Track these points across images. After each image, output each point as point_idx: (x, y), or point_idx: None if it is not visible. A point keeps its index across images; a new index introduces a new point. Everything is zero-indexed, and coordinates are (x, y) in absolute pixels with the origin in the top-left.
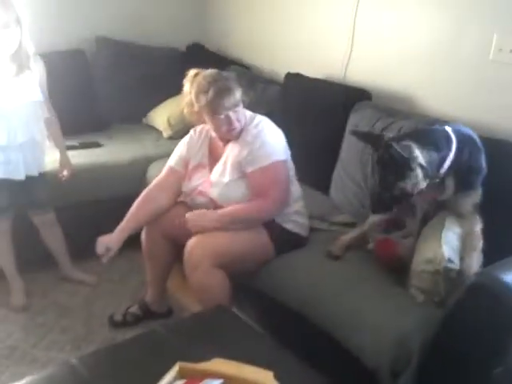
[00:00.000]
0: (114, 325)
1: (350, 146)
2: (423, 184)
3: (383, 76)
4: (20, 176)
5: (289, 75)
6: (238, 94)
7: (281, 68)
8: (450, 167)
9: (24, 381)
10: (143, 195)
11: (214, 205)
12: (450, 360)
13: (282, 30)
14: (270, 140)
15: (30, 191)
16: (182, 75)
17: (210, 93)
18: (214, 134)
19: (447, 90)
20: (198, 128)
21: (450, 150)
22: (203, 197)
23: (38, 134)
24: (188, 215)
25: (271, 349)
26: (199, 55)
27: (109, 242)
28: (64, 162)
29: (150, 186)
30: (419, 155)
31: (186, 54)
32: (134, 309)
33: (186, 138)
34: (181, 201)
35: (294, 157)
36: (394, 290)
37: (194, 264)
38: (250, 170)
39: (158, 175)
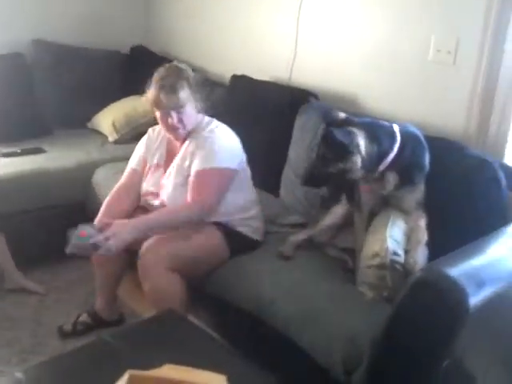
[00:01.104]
0: (64, 335)
1: (297, 147)
2: (359, 173)
3: (328, 77)
4: None
5: (234, 77)
6: (183, 95)
7: (226, 70)
8: (390, 164)
9: None
10: (107, 201)
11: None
12: (400, 355)
13: (227, 31)
14: (220, 146)
15: None
16: (126, 78)
17: (156, 86)
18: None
19: (390, 91)
20: (157, 127)
21: (392, 147)
22: (156, 199)
23: None
24: (108, 232)
25: (224, 352)
26: (143, 57)
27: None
28: None
29: (114, 189)
30: (361, 144)
31: (130, 56)
32: (84, 317)
33: (144, 138)
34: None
35: None
36: (345, 288)
37: (148, 268)
38: (192, 170)
39: (107, 184)
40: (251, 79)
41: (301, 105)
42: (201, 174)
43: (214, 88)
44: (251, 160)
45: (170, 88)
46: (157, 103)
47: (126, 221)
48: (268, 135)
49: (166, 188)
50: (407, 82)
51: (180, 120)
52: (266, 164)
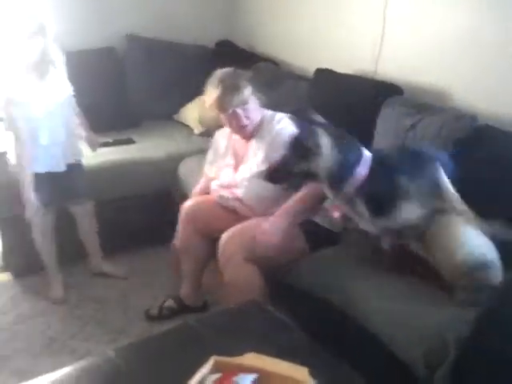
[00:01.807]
0: (150, 318)
1: (380, 142)
2: (324, 179)
3: (415, 70)
4: (61, 168)
5: (318, 71)
6: (246, 91)
7: (310, 64)
8: (360, 188)
9: (64, 370)
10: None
11: (239, 202)
12: (489, 356)
13: (311, 25)
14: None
15: (70, 181)
16: (212, 72)
17: (218, 90)
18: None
19: (481, 83)
20: (222, 130)
21: (358, 163)
22: (230, 193)
23: (75, 125)
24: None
25: (305, 344)
26: (228, 52)
27: None
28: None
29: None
30: (324, 145)
31: (215, 51)
32: (170, 303)
33: (211, 143)
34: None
35: None
36: (430, 288)
37: (227, 258)
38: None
39: (193, 175)
40: (335, 73)
41: (385, 99)
42: None
43: (298, 82)
44: None
45: (232, 87)
46: (221, 105)
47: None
48: (350, 130)
49: (240, 185)
50: (497, 75)
51: (247, 116)
52: None
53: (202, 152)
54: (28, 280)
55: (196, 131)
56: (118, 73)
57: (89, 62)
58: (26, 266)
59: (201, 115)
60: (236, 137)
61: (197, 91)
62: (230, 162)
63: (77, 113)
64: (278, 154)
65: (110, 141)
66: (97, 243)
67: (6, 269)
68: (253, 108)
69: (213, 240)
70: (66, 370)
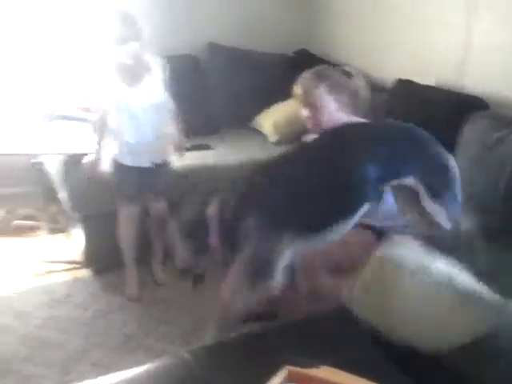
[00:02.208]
0: None
1: (461, 161)
2: None
3: (503, 82)
4: (145, 164)
5: (398, 82)
6: (319, 93)
7: (390, 74)
8: None
9: (139, 368)
10: None
11: None
12: None
13: (390, 34)
14: None
15: (153, 179)
16: (289, 81)
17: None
18: None
19: None
20: (309, 135)
21: None
22: None
23: (165, 128)
24: None
25: (388, 363)
26: (306, 61)
27: None
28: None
29: None
30: None
31: (293, 60)
32: None
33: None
34: None
35: None
36: None
37: (309, 269)
38: None
39: None
40: (415, 84)
41: (469, 113)
42: None
43: (376, 93)
44: None
45: (308, 83)
46: (298, 98)
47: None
48: None
49: None
50: None
51: (315, 116)
52: None
53: None
54: (107, 277)
55: (271, 139)
56: (199, 80)
57: (170, 69)
58: (107, 264)
59: (277, 120)
60: None
61: (273, 99)
62: None
63: (171, 117)
64: None
65: (188, 146)
66: (177, 242)
67: (87, 265)
68: (327, 111)
69: None
70: (140, 369)
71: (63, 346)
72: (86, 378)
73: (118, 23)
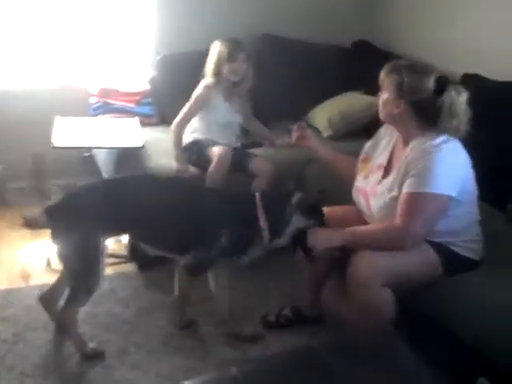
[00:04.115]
0: (267, 325)
1: None
2: None
3: None
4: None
5: (465, 77)
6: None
7: (457, 68)
8: None
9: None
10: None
11: (369, 213)
12: None
13: (456, 25)
14: (440, 167)
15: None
16: (346, 73)
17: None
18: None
19: None
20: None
21: None
22: (364, 200)
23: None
24: (313, 240)
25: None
26: (366, 53)
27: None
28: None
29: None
30: None
31: (352, 51)
32: (287, 311)
33: (377, 133)
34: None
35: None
36: None
37: (361, 281)
38: (404, 188)
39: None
40: (485, 79)
41: None
42: (413, 198)
43: None
44: (479, 170)
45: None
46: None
47: (331, 230)
48: (501, 145)
49: (378, 198)
50: None
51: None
52: (494, 176)
53: None
54: (151, 273)
55: (325, 134)
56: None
57: None
58: (151, 259)
59: (332, 115)
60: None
61: (328, 93)
62: (384, 163)
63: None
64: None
65: (239, 144)
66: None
67: (131, 260)
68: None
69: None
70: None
71: (103, 345)
72: (126, 378)
73: (236, 45)
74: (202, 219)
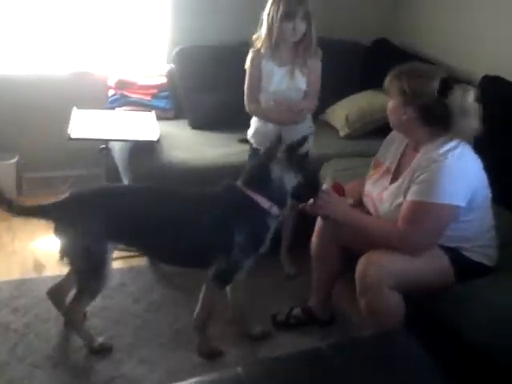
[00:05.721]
0: (277, 324)
1: None
2: None
3: None
4: None
5: (486, 78)
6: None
7: (478, 69)
8: None
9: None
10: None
11: (377, 215)
12: None
13: (479, 24)
14: (447, 177)
15: None
16: (365, 71)
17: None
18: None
19: None
20: None
21: None
22: (372, 204)
23: None
24: (322, 202)
25: None
26: (386, 51)
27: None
28: None
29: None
30: None
31: (372, 49)
32: (297, 312)
33: (388, 137)
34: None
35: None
36: None
37: (369, 284)
38: (408, 196)
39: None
40: (506, 82)
41: None
42: (416, 206)
43: None
44: (492, 172)
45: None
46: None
47: (344, 204)
48: None
49: (384, 204)
50: None
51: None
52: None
53: (346, 156)
54: (163, 267)
55: (341, 133)
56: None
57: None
58: None
59: (350, 113)
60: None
61: (346, 91)
62: (392, 165)
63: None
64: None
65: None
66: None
67: (142, 254)
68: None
69: (348, 251)
70: (190, 381)
71: (112, 339)
72: (134, 373)
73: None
74: (210, 227)
